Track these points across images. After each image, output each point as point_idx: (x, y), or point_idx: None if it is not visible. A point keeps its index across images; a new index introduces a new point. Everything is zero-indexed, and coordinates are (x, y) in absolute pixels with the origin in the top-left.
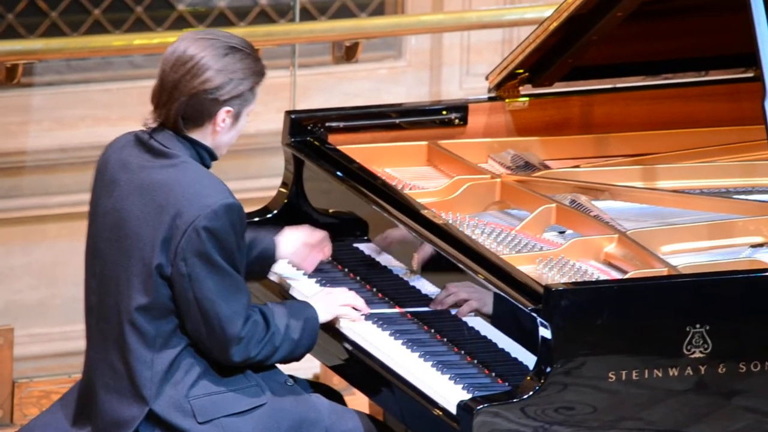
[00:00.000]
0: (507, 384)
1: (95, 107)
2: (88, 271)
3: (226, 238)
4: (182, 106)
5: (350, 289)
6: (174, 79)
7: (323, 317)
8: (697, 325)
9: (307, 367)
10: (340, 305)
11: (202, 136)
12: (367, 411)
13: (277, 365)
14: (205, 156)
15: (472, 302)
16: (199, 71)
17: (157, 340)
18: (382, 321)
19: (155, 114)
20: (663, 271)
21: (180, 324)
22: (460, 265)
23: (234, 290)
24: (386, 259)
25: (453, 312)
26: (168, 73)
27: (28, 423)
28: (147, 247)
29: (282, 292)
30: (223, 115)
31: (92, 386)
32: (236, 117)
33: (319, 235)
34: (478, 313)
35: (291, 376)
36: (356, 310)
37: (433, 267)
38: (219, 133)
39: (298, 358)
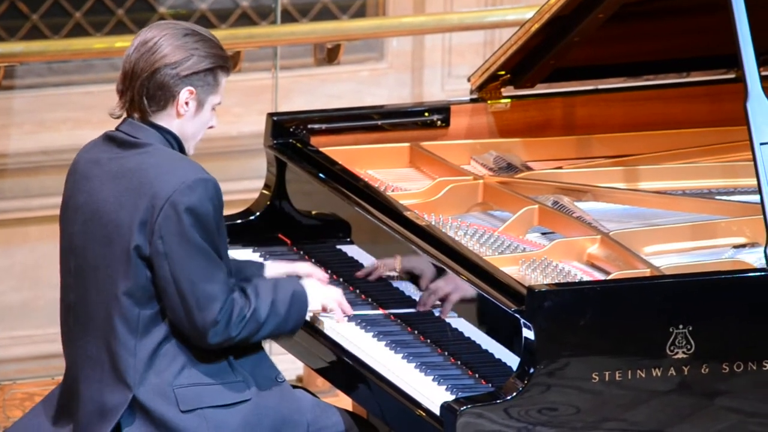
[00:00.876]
0: (490, 385)
1: (76, 110)
2: (64, 270)
3: (202, 212)
4: (145, 84)
5: None
6: (135, 59)
7: (313, 302)
8: (680, 326)
9: (291, 368)
10: (331, 298)
11: (167, 121)
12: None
13: (272, 361)
14: (174, 144)
15: (452, 297)
16: (158, 48)
17: (139, 326)
18: (366, 323)
19: (120, 102)
20: (646, 271)
21: (161, 310)
22: (443, 267)
23: (212, 270)
24: (369, 261)
25: (437, 312)
26: (130, 56)
27: (11, 426)
28: (125, 231)
29: None
30: (186, 95)
31: (75, 382)
32: (200, 104)
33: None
34: (460, 311)
35: None
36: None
37: (416, 269)
38: (183, 117)
39: (289, 334)
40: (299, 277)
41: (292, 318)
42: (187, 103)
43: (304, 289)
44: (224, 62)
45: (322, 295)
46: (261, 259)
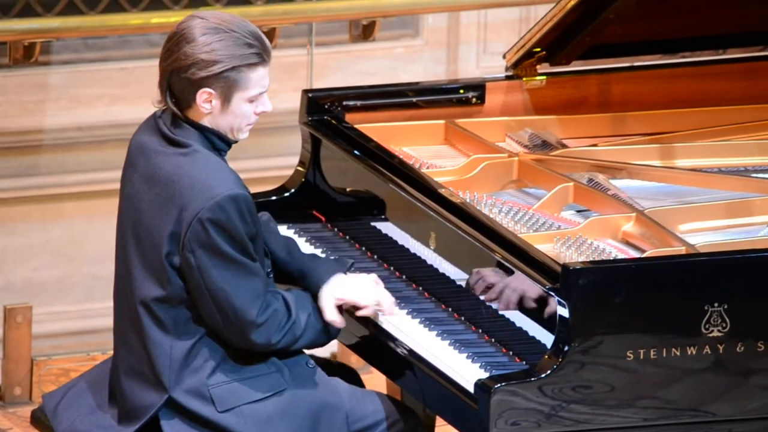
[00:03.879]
0: (524, 363)
1: (112, 86)
2: (118, 256)
3: (231, 228)
4: (166, 84)
5: (367, 268)
6: (163, 57)
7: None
8: (715, 304)
9: (325, 346)
10: (371, 297)
11: (198, 116)
12: (384, 389)
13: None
14: (215, 140)
15: (501, 293)
16: (174, 49)
17: (175, 327)
18: (400, 300)
19: (161, 95)
20: (681, 249)
21: (197, 312)
22: (478, 244)
23: (244, 276)
24: (404, 238)
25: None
26: (161, 55)
27: (49, 393)
28: (157, 238)
29: None
30: (204, 96)
31: (116, 369)
32: (225, 100)
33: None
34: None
35: (311, 356)
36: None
37: (452, 246)
38: (210, 115)
39: (324, 344)
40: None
41: (329, 330)
42: (210, 102)
43: None
44: (248, 60)
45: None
46: (296, 236)
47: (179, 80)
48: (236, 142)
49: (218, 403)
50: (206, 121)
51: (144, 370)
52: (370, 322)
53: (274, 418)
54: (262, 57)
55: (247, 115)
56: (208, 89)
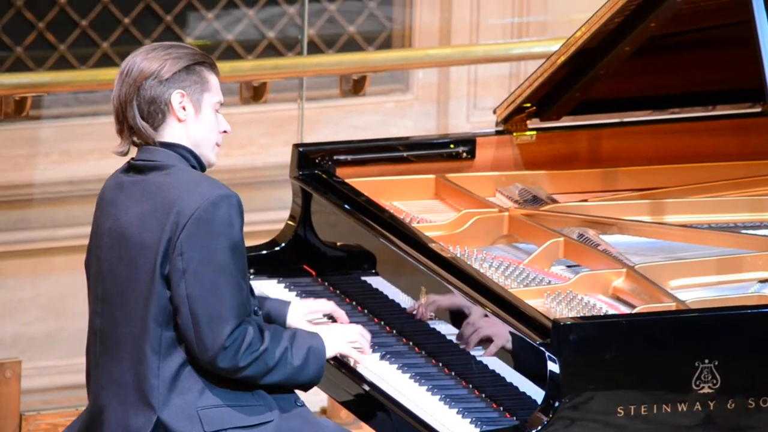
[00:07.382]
0: (515, 418)
1: (103, 140)
2: (92, 296)
3: (225, 228)
4: (135, 107)
5: (358, 322)
6: (117, 91)
7: (330, 351)
8: (706, 361)
9: (315, 400)
10: (348, 342)
11: (173, 133)
12: None
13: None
14: (191, 159)
15: (485, 335)
16: (133, 69)
17: (162, 347)
18: (390, 354)
19: (122, 140)
20: (671, 305)
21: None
22: (468, 299)
23: (228, 292)
24: (394, 292)
25: (476, 354)
26: (114, 94)
27: None
28: (150, 251)
29: None
30: (178, 98)
31: (99, 408)
32: (196, 104)
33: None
34: (486, 344)
35: None
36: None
37: (442, 301)
38: (185, 122)
39: (304, 387)
40: (331, 318)
41: (306, 373)
42: (183, 108)
43: (322, 346)
44: (203, 59)
45: (340, 343)
46: (286, 290)
47: (148, 90)
48: (204, 167)
49: (206, 424)
50: (181, 137)
51: (131, 397)
52: (359, 377)
53: None
54: (213, 63)
55: (214, 128)
56: (180, 90)
